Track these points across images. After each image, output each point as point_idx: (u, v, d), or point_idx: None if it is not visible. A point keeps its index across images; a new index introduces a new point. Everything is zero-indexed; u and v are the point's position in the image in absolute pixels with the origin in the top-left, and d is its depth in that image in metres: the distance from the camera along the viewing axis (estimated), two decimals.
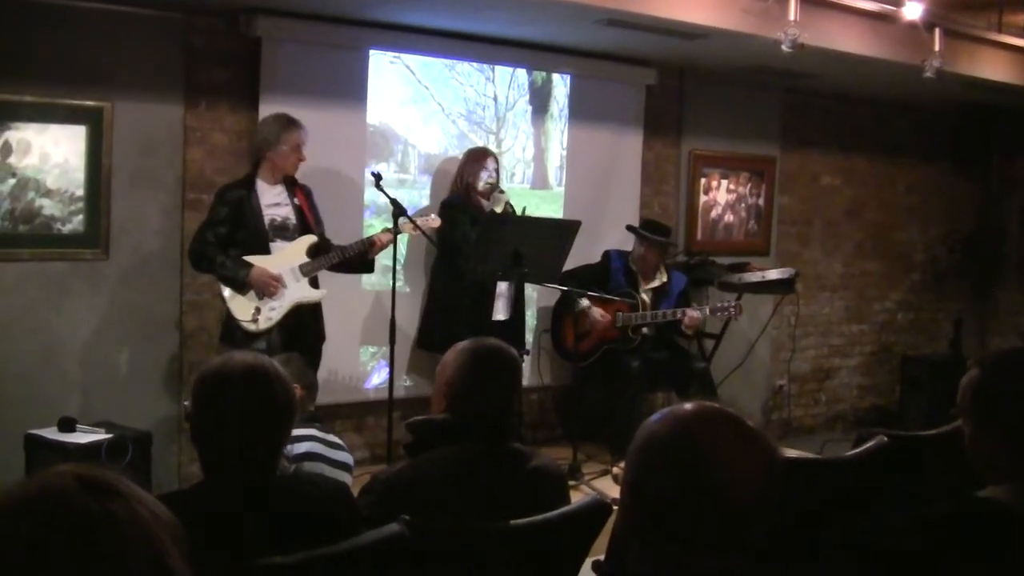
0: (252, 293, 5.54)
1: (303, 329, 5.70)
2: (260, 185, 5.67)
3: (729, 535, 1.65)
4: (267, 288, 5.52)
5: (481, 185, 6.47)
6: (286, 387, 2.57)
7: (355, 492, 2.97)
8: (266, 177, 5.68)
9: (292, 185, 5.76)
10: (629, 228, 7.11)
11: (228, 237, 5.57)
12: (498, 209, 6.44)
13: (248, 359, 2.60)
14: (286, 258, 5.63)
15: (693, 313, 6.73)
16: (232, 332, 5.58)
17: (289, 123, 5.66)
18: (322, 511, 2.57)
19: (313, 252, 5.69)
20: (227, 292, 5.55)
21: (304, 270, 5.64)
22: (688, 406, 1.73)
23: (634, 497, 1.72)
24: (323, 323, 5.86)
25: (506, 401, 3.12)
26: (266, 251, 5.61)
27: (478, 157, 6.59)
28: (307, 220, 5.75)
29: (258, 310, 5.54)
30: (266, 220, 5.64)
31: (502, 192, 6.51)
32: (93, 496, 1.19)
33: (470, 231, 6.24)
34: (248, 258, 5.54)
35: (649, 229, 7.00)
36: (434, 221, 6.05)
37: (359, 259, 5.82)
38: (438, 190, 6.86)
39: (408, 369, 6.82)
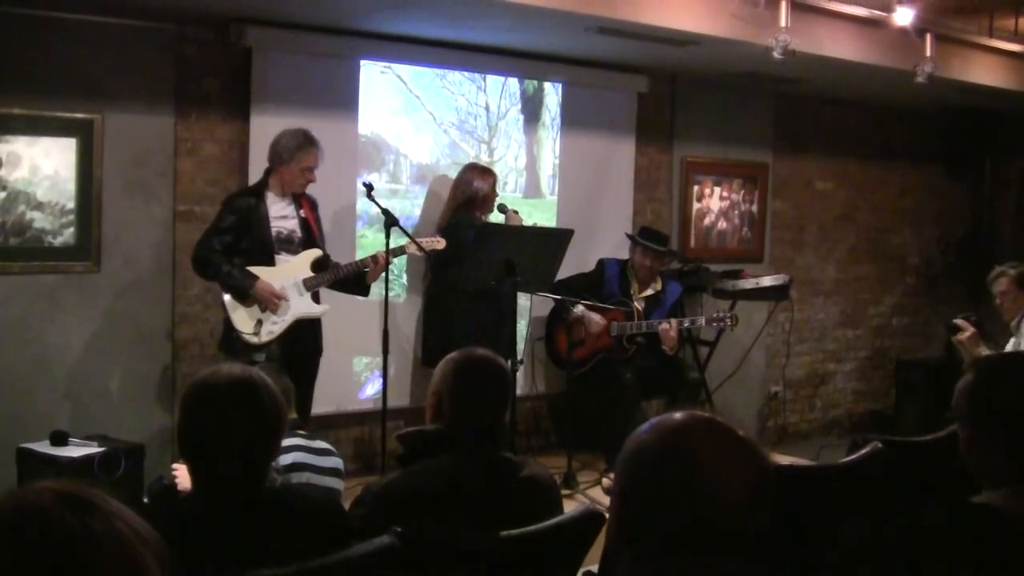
0: (255, 306, 5.51)
1: (302, 341, 5.68)
2: (269, 196, 5.65)
3: (720, 544, 1.63)
4: (270, 304, 5.50)
5: (487, 197, 6.47)
6: (275, 398, 2.55)
7: (347, 502, 2.95)
8: (275, 189, 5.67)
9: (299, 196, 5.74)
10: (630, 237, 7.09)
11: (233, 245, 5.54)
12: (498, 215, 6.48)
13: (236, 371, 2.58)
14: (290, 271, 5.61)
15: (664, 325, 6.69)
16: (231, 342, 5.55)
17: (305, 143, 5.62)
18: (312, 523, 2.56)
19: (317, 267, 5.68)
20: (230, 302, 5.52)
21: (308, 284, 5.63)
22: (677, 415, 1.71)
23: (624, 507, 1.70)
24: (321, 336, 5.84)
25: (496, 411, 3.11)
26: (271, 263, 5.59)
27: (485, 174, 6.57)
28: (312, 233, 5.74)
29: (260, 323, 5.51)
30: (273, 232, 5.62)
31: (516, 212, 6.51)
32: (72, 512, 1.17)
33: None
34: (253, 269, 5.51)
35: (648, 237, 6.99)
36: (439, 243, 6.03)
37: (356, 280, 5.80)
38: (431, 200, 6.85)
39: (412, 386, 6.78)
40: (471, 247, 6.08)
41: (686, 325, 6.91)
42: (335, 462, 4.10)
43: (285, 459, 3.87)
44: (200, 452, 2.52)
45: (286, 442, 3.91)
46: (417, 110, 6.88)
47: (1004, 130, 9.67)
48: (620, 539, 1.72)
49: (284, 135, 5.68)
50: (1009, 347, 6.26)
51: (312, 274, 5.65)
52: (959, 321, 6.18)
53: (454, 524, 2.78)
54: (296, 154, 5.60)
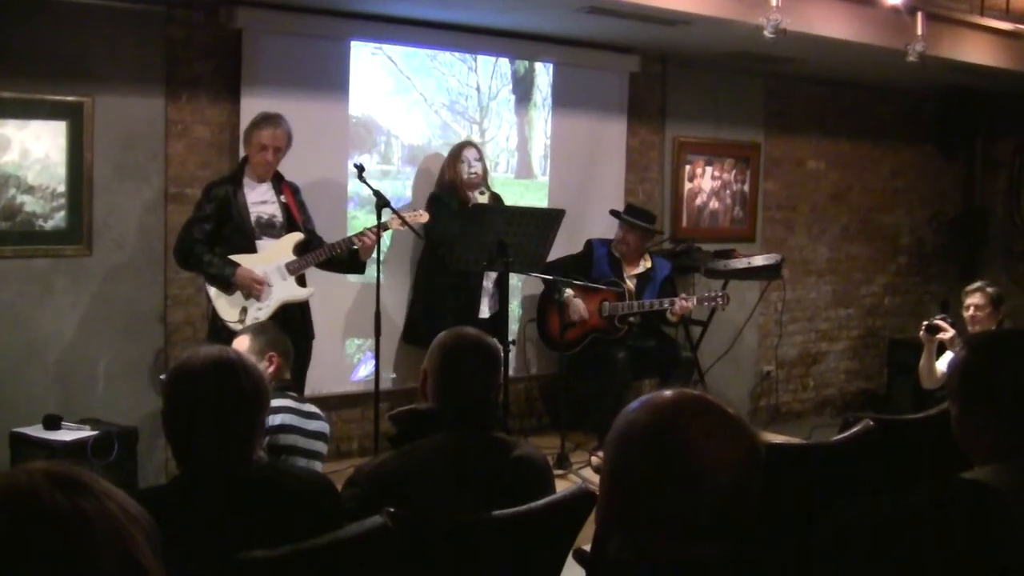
0: (239, 293, 5.50)
1: (291, 328, 5.63)
2: (247, 182, 5.63)
3: (710, 521, 1.63)
4: (251, 291, 5.48)
5: (464, 178, 6.46)
6: (254, 376, 2.56)
7: (338, 483, 2.95)
8: (251, 174, 5.65)
9: (279, 182, 5.72)
10: (613, 213, 7.09)
11: (214, 234, 5.52)
12: (482, 199, 6.45)
13: (213, 352, 2.59)
14: (272, 256, 5.59)
15: (684, 303, 6.69)
16: (219, 331, 5.52)
17: (259, 121, 5.61)
18: (304, 504, 2.56)
19: (300, 249, 5.65)
20: (213, 292, 5.52)
21: (291, 268, 5.60)
22: (667, 393, 1.72)
23: (614, 484, 1.70)
24: (311, 321, 5.82)
25: (485, 390, 3.10)
26: (252, 249, 5.57)
27: (456, 152, 6.58)
28: (294, 218, 5.71)
29: (244, 310, 5.50)
30: (252, 217, 5.59)
31: (482, 193, 6.51)
32: (63, 493, 1.17)
33: (453, 222, 6.22)
34: (234, 257, 5.49)
35: (632, 214, 6.99)
36: (422, 216, 6.02)
37: (349, 259, 5.77)
38: (422, 181, 6.85)
39: (395, 362, 6.80)
40: (459, 229, 6.08)
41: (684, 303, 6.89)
42: (321, 425, 4.07)
43: (274, 420, 3.86)
44: (183, 435, 2.53)
45: (276, 403, 3.89)
46: (408, 91, 6.87)
47: (995, 109, 9.67)
48: (609, 518, 1.72)
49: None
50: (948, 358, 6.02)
51: (295, 257, 5.63)
52: (939, 322, 6.11)
53: (446, 504, 2.79)
54: (250, 133, 5.62)
